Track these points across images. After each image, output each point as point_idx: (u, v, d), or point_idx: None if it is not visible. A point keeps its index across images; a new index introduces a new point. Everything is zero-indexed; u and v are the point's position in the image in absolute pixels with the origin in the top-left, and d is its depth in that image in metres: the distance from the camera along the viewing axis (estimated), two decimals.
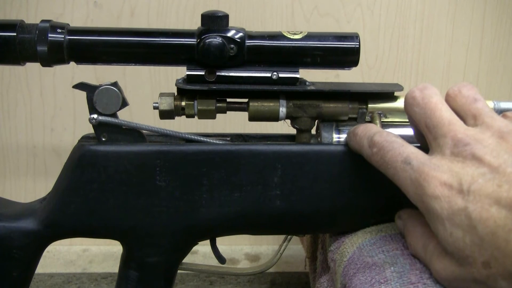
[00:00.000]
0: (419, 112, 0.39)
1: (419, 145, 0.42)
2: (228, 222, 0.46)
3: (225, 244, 0.77)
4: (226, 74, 0.45)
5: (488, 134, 0.37)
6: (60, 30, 0.44)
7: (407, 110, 0.41)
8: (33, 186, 0.83)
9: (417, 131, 0.42)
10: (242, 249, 0.84)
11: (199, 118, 0.47)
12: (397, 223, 0.44)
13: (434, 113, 0.39)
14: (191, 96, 0.46)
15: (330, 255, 0.47)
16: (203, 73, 0.45)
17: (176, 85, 0.46)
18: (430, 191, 0.36)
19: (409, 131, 0.44)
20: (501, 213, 0.33)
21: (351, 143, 0.44)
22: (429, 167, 0.36)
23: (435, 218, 0.36)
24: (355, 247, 0.44)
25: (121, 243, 0.47)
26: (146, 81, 0.80)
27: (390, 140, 0.40)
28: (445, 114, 0.39)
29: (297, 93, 0.46)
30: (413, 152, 0.38)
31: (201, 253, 0.80)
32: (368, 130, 0.42)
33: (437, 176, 0.36)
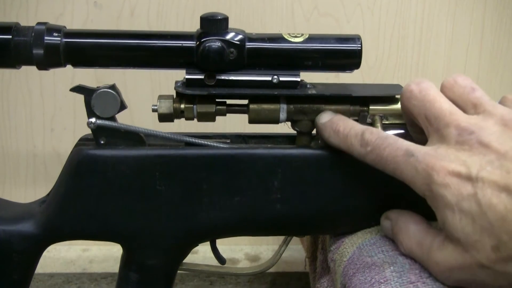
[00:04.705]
0: (417, 105, 0.40)
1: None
2: (228, 226, 0.46)
3: (225, 244, 0.77)
4: (226, 77, 0.44)
5: (491, 122, 0.37)
6: (56, 33, 0.43)
7: (405, 104, 0.41)
8: (33, 186, 0.83)
9: (412, 125, 0.42)
10: (242, 249, 0.84)
11: (198, 121, 0.46)
12: (384, 224, 0.44)
13: (434, 105, 0.39)
14: (191, 99, 0.46)
15: (330, 255, 0.47)
16: (202, 76, 0.44)
17: (175, 89, 0.45)
18: (439, 180, 0.36)
19: None
20: (510, 199, 0.34)
21: (332, 140, 0.43)
22: (435, 157, 0.37)
23: (444, 205, 0.36)
24: (355, 247, 0.44)
25: (121, 245, 0.47)
26: (146, 81, 0.80)
27: (383, 136, 0.40)
28: (445, 105, 0.39)
29: (298, 97, 0.46)
30: (410, 144, 0.39)
31: (201, 253, 0.80)
32: (351, 128, 0.42)
33: (445, 166, 0.36)
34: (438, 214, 0.37)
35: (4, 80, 0.79)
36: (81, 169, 0.44)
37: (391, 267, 0.39)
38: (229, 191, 0.45)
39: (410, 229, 0.41)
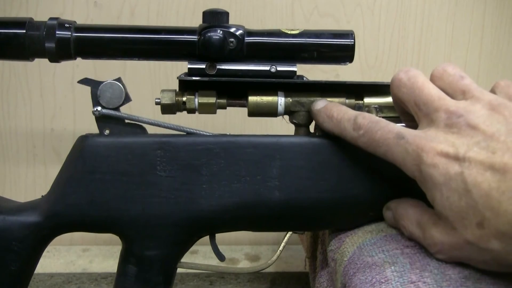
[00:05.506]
0: (407, 92, 0.42)
1: (403, 124, 0.44)
2: (228, 214, 0.47)
3: (225, 244, 0.77)
4: (226, 67, 0.47)
5: (479, 106, 0.39)
6: (67, 28, 0.46)
7: (394, 93, 0.43)
8: (33, 186, 0.83)
9: (403, 113, 0.45)
10: (242, 249, 0.84)
11: (199, 112, 0.48)
12: (386, 214, 0.46)
13: (422, 91, 0.41)
14: (192, 91, 0.48)
15: (330, 254, 0.47)
16: (203, 66, 0.47)
17: (177, 78, 0.47)
18: (428, 160, 0.38)
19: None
20: (495, 177, 0.35)
21: (326, 125, 0.46)
22: (425, 139, 0.39)
23: (433, 185, 0.38)
24: (355, 247, 0.44)
25: (120, 237, 0.48)
26: (145, 81, 0.80)
27: (375, 120, 0.42)
28: (433, 91, 0.41)
29: (295, 88, 0.48)
30: (402, 128, 0.41)
31: (201, 253, 0.81)
32: (344, 113, 0.44)
33: (434, 147, 0.38)
34: (428, 194, 0.39)
35: (4, 80, 0.80)
36: (84, 155, 0.46)
37: (392, 267, 0.40)
38: (228, 177, 0.46)
39: (409, 212, 0.43)
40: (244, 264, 0.80)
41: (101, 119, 0.47)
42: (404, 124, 0.45)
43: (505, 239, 0.35)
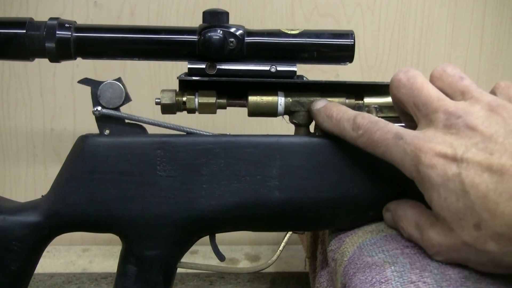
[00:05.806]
0: (406, 93, 0.42)
1: (403, 124, 0.44)
2: (228, 213, 0.47)
3: (225, 244, 0.77)
4: (226, 67, 0.47)
5: (478, 107, 0.39)
6: (67, 28, 0.46)
7: (394, 93, 0.43)
8: (33, 186, 0.83)
9: (403, 114, 0.45)
10: (242, 249, 0.84)
11: (199, 112, 0.48)
12: (385, 216, 0.46)
13: (421, 92, 0.41)
14: (192, 91, 0.48)
15: (331, 254, 0.47)
16: (203, 66, 0.47)
17: (177, 78, 0.47)
18: (426, 161, 0.38)
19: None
20: (492, 178, 0.35)
21: (325, 125, 0.46)
22: (423, 139, 0.39)
23: (430, 186, 0.38)
24: (355, 247, 0.44)
25: (120, 237, 0.49)
26: (145, 81, 0.80)
27: (374, 120, 0.42)
28: (432, 91, 0.41)
29: (295, 87, 0.48)
30: (400, 128, 0.41)
31: (201, 253, 0.81)
32: (344, 112, 0.44)
33: (433, 147, 0.38)
34: (425, 195, 0.39)
35: (4, 80, 0.80)
36: (84, 155, 0.46)
37: (392, 267, 0.40)
38: (228, 177, 0.46)
39: (407, 214, 0.43)
40: (244, 264, 0.80)
41: (101, 119, 0.47)
42: (403, 124, 0.45)
43: (502, 241, 0.35)
